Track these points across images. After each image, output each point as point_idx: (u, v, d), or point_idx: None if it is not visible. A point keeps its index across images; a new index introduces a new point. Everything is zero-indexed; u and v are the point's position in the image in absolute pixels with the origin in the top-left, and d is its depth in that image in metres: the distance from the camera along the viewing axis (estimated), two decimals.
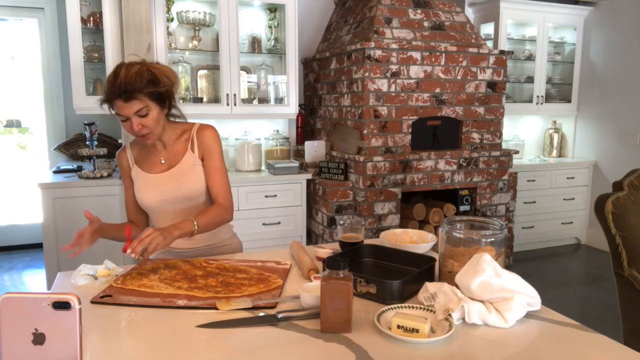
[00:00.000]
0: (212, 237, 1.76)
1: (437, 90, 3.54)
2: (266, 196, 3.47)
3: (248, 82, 3.83)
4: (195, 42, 3.65)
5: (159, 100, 1.59)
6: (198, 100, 3.62)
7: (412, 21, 3.55)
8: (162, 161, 1.71)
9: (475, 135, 3.73)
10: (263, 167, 3.85)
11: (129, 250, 1.39)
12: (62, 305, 0.83)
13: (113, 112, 1.60)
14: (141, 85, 1.53)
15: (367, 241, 1.65)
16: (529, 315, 1.16)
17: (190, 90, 3.69)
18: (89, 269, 1.43)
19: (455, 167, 3.61)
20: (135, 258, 1.41)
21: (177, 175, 1.68)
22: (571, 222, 4.73)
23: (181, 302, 1.24)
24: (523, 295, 1.15)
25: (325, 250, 1.58)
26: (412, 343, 1.03)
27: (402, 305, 1.16)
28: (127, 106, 1.54)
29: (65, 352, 0.83)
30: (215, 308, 1.21)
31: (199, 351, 1.02)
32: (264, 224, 3.49)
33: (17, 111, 4.48)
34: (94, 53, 3.35)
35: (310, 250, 1.63)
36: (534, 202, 4.50)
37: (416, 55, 3.42)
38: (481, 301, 1.14)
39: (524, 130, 4.97)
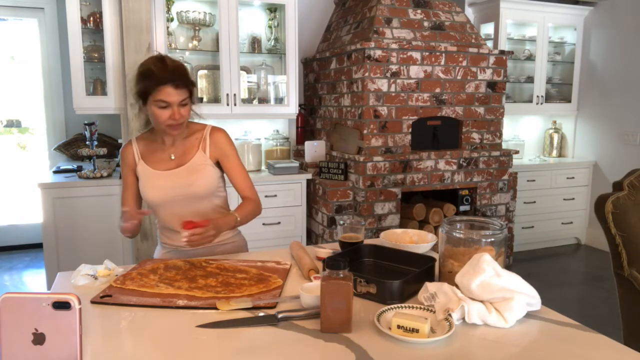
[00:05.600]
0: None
1: (437, 90, 3.54)
2: (266, 196, 3.47)
3: (248, 82, 3.83)
4: (195, 42, 3.65)
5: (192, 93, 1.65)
6: (198, 100, 3.62)
7: (412, 21, 3.55)
8: (172, 157, 1.71)
9: (475, 135, 3.73)
10: (263, 167, 3.85)
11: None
12: (62, 305, 0.82)
13: (142, 101, 1.60)
14: (188, 75, 1.61)
15: (367, 241, 1.65)
16: (529, 315, 1.16)
17: None
18: (89, 269, 1.42)
19: (455, 167, 3.61)
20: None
21: (187, 173, 1.69)
22: (571, 222, 4.72)
23: (181, 302, 1.24)
24: (523, 296, 1.14)
25: (325, 250, 1.58)
26: (412, 343, 1.03)
27: (402, 305, 1.16)
28: (176, 93, 1.56)
29: (65, 352, 0.83)
30: (215, 308, 1.21)
31: (199, 351, 1.02)
32: (264, 224, 3.49)
33: (17, 111, 4.48)
34: (94, 53, 3.35)
35: (310, 250, 1.63)
36: (534, 202, 4.50)
37: (416, 55, 3.42)
38: (481, 301, 1.14)
39: (524, 130, 4.96)
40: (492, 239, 1.26)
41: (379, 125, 3.40)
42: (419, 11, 3.58)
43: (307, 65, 4.18)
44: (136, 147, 1.73)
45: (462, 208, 3.71)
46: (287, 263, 1.55)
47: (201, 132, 1.75)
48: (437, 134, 3.64)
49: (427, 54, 3.45)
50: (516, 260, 4.26)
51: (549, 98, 4.81)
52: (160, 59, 1.59)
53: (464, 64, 3.58)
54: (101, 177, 3.26)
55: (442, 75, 3.53)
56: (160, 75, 1.54)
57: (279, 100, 3.85)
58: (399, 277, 1.26)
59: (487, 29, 4.58)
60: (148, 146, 1.73)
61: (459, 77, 3.58)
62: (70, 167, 3.60)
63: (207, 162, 1.72)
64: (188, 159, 1.71)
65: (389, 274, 1.42)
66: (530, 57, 4.66)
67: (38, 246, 4.31)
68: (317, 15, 4.17)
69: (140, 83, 1.58)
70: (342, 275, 1.08)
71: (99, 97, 3.33)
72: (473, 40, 3.68)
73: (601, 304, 3.42)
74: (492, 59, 3.67)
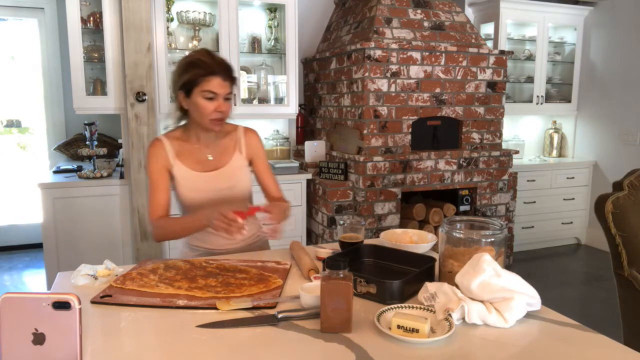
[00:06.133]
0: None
1: (437, 90, 3.54)
2: None
3: (248, 82, 3.83)
4: (195, 42, 3.65)
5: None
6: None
7: (412, 21, 3.55)
8: (210, 157, 1.70)
9: (475, 135, 3.73)
10: None
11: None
12: (62, 305, 0.82)
13: (185, 93, 1.58)
14: (233, 71, 1.62)
15: (367, 241, 1.65)
16: (529, 315, 1.16)
17: None
18: (89, 269, 1.42)
19: (455, 167, 3.61)
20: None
21: (228, 175, 1.70)
22: (571, 222, 4.72)
23: (181, 302, 1.24)
24: (523, 296, 1.14)
25: (325, 250, 1.58)
26: (412, 343, 1.03)
27: (402, 305, 1.16)
28: (224, 85, 1.58)
29: (65, 352, 0.83)
30: (215, 308, 1.21)
31: (199, 351, 1.02)
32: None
33: (17, 111, 4.48)
34: (94, 53, 3.35)
35: (310, 250, 1.63)
36: (534, 202, 4.50)
37: (416, 55, 3.42)
38: (481, 301, 1.14)
39: (524, 130, 4.96)
40: (492, 239, 1.26)
41: (379, 125, 3.40)
42: (419, 11, 3.58)
43: (307, 65, 4.18)
44: (169, 146, 1.67)
45: (462, 208, 3.71)
46: (287, 263, 1.55)
47: (234, 133, 1.75)
48: (437, 134, 3.64)
49: (427, 54, 3.45)
50: (516, 260, 4.26)
51: (549, 98, 4.81)
52: (208, 52, 1.60)
53: (464, 64, 3.58)
54: (101, 177, 3.26)
55: (442, 75, 3.53)
56: (212, 65, 1.56)
57: (279, 100, 3.85)
58: (399, 277, 1.26)
59: (487, 29, 4.58)
60: (182, 146, 1.68)
61: (459, 77, 3.58)
62: (70, 167, 3.60)
63: (244, 164, 1.73)
64: (227, 161, 1.71)
65: (389, 274, 1.42)
66: (530, 57, 4.66)
67: (38, 246, 4.30)
68: (317, 15, 4.17)
69: (188, 72, 1.56)
70: (342, 275, 1.08)
71: (99, 97, 3.32)
72: (473, 40, 3.68)
73: (601, 304, 3.42)
74: (492, 59, 3.67)
